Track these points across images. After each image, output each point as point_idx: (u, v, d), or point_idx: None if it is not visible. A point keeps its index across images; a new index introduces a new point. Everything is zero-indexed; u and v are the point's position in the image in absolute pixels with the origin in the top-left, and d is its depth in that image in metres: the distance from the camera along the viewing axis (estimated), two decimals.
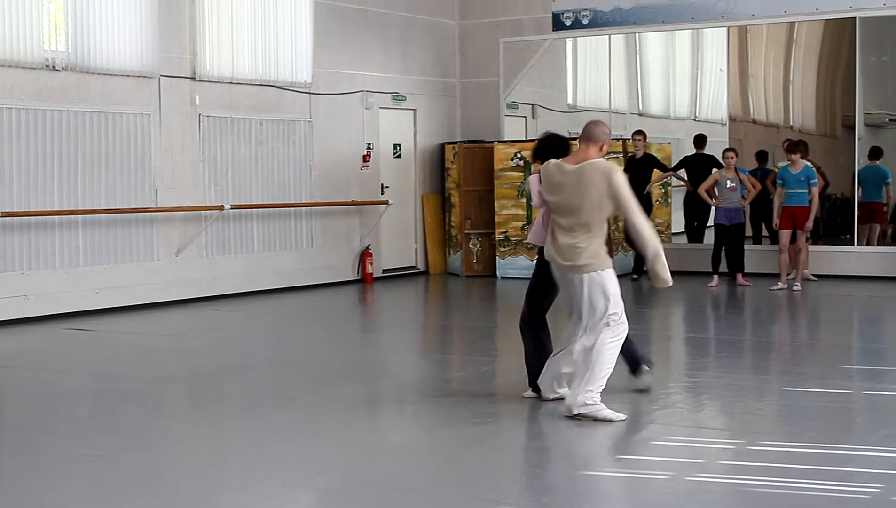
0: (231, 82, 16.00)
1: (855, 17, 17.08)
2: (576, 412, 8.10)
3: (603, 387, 8.15)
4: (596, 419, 8.04)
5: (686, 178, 17.58)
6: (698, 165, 18.00)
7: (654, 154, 17.78)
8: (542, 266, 8.73)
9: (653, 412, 8.54)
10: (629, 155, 17.55)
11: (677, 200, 19.67)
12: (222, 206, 15.71)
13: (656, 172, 17.50)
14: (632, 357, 9.01)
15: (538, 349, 8.83)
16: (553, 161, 8.45)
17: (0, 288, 13.42)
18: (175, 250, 15.29)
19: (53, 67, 13.92)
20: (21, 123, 13.63)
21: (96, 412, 8.92)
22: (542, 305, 8.89)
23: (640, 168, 17.24)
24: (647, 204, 17.31)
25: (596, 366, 8.13)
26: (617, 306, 8.29)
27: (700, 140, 18.87)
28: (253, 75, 16.30)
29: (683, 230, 19.18)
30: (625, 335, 8.36)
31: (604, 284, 8.28)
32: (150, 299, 14.92)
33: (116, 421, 8.51)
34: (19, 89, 13.62)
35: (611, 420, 8.05)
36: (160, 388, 9.92)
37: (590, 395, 8.11)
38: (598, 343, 8.18)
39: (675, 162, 18.97)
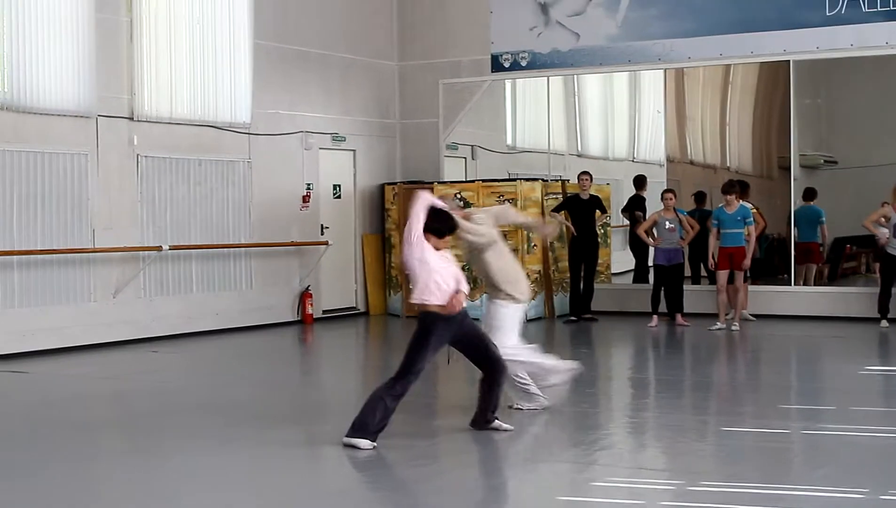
0: (170, 123, 15.92)
1: (789, 60, 17.30)
2: None
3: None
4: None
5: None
6: (641, 206, 18.25)
7: (597, 194, 17.84)
8: None
9: (593, 453, 8.55)
10: (574, 195, 17.59)
11: (617, 240, 19.81)
12: (160, 246, 15.59)
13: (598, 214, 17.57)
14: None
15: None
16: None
17: None
18: (112, 291, 15.14)
19: None
20: None
21: (29, 455, 8.75)
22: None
23: (587, 209, 17.31)
24: (594, 245, 17.41)
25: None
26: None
27: (640, 181, 19.05)
28: (192, 116, 16.23)
29: (630, 270, 19.31)
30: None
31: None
32: (87, 340, 14.74)
33: (50, 465, 8.37)
34: None
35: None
36: (96, 431, 9.78)
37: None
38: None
39: (624, 203, 19.15)
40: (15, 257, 14.02)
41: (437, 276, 8.59)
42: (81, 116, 14.79)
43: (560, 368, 9.91)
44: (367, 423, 8.49)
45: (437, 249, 8.72)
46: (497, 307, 9.61)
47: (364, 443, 8.42)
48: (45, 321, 14.33)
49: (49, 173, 14.45)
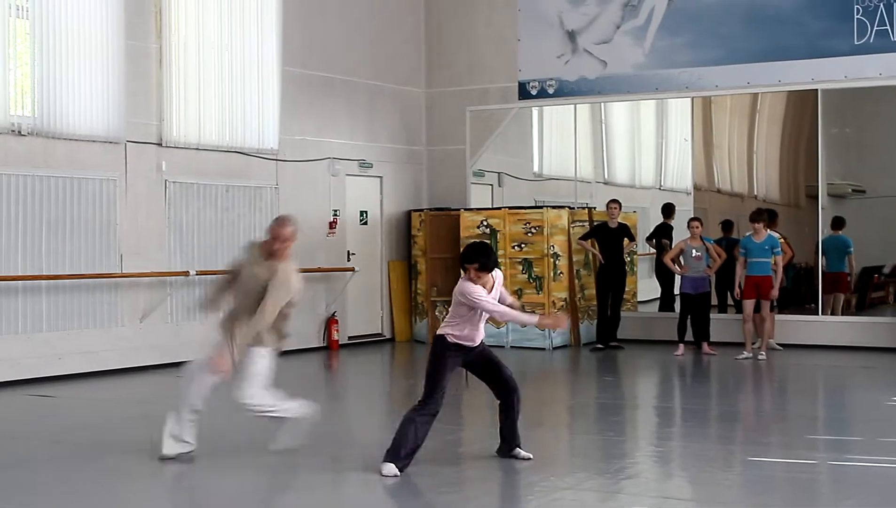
0: (197, 148, 16.01)
1: (817, 90, 17.28)
2: None
3: None
4: None
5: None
6: (668, 234, 18.24)
7: (625, 223, 17.81)
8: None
9: (619, 482, 8.52)
10: (602, 223, 17.59)
11: (643, 268, 19.76)
12: (188, 272, 15.65)
13: (626, 242, 17.58)
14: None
15: None
16: None
17: None
18: (140, 315, 15.20)
19: (19, 132, 13.89)
20: None
21: (54, 479, 8.78)
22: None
23: (615, 237, 17.32)
24: (621, 273, 17.43)
25: None
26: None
27: (668, 209, 19.03)
28: (220, 141, 16.32)
29: (656, 298, 19.27)
30: None
31: None
32: (114, 364, 14.80)
33: (75, 489, 8.39)
34: None
35: None
36: (121, 455, 9.79)
37: None
38: None
39: (650, 231, 19.12)
40: (43, 281, 14.10)
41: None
42: (110, 142, 14.89)
43: (294, 430, 9.34)
44: (399, 447, 8.59)
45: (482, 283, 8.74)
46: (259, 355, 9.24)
47: (388, 469, 8.45)
48: (73, 346, 14.40)
49: (78, 198, 14.54)
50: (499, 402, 9.10)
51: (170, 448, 9.13)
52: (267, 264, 9.09)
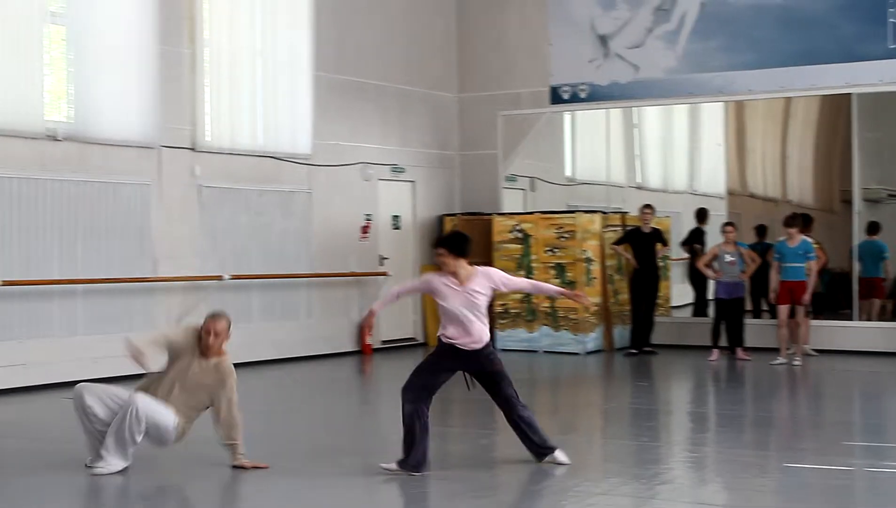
0: (231, 153, 16.07)
1: (851, 94, 17.18)
2: None
3: None
4: None
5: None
6: (701, 239, 18.19)
7: (658, 228, 17.77)
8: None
9: (654, 488, 8.48)
10: (635, 228, 17.55)
11: (676, 273, 19.68)
12: (221, 276, 15.70)
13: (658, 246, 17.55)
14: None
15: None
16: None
17: None
18: (174, 319, 15.25)
19: (55, 138, 13.99)
20: (22, 192, 13.69)
21: (88, 483, 8.82)
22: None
23: (648, 242, 17.29)
24: (655, 278, 17.40)
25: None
26: None
27: (702, 214, 18.97)
28: (253, 146, 16.38)
29: (690, 303, 19.20)
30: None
31: None
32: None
33: (106, 491, 8.42)
34: (21, 159, 13.69)
35: None
36: (152, 460, 9.82)
37: None
38: None
39: (685, 235, 19.04)
40: (79, 285, 14.18)
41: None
42: (145, 147, 14.97)
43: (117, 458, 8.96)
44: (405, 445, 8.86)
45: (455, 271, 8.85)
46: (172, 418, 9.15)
47: (387, 463, 8.76)
48: (108, 349, 14.43)
49: (112, 203, 14.62)
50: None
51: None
52: (209, 367, 9.10)
